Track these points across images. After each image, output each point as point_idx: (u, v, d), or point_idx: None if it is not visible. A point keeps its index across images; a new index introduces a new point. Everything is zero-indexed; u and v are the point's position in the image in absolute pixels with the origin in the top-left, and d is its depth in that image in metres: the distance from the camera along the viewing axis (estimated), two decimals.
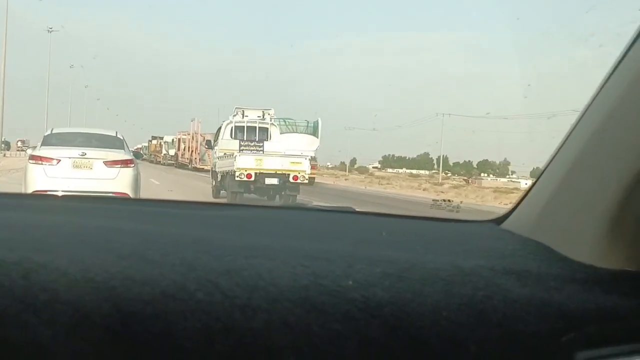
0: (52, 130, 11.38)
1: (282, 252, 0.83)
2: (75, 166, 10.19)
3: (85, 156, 10.24)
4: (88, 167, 10.24)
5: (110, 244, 0.79)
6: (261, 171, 15.82)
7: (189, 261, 0.76)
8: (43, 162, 10.08)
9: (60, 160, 10.14)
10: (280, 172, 15.88)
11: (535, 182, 1.03)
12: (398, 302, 0.75)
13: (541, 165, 1.02)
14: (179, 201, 1.54)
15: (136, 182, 10.59)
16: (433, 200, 17.10)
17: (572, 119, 0.95)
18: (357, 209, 1.50)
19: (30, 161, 10.26)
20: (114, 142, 11.09)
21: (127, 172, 10.42)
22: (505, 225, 1.08)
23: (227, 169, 16.63)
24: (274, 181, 15.87)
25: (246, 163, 15.79)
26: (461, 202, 17.31)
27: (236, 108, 19.82)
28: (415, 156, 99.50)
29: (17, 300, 0.66)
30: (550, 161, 1.00)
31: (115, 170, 10.28)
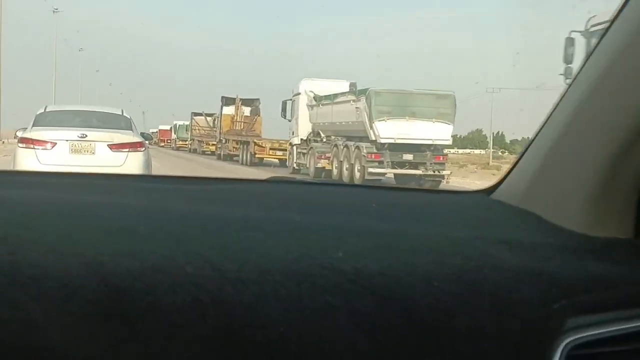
0: (45, 108, 9.63)
1: (272, 225, 0.83)
2: (74, 150, 8.60)
3: (86, 138, 8.62)
4: (89, 152, 8.63)
5: (98, 219, 0.79)
6: None
7: (178, 235, 0.76)
8: (35, 146, 8.50)
9: (55, 144, 8.55)
10: None
11: (525, 151, 1.02)
12: (389, 273, 0.74)
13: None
14: (165, 176, 1.52)
15: (148, 170, 8.88)
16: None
17: (562, 88, 0.94)
18: None
19: (20, 145, 8.67)
20: (119, 122, 9.34)
21: (137, 158, 8.72)
22: (495, 195, 1.08)
23: None
24: None
25: None
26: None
27: None
28: (466, 134, 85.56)
29: (4, 276, 0.66)
30: (539, 130, 0.99)
31: (122, 155, 8.64)
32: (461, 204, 1.12)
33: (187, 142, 41.37)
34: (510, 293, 0.76)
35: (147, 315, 0.66)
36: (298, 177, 13.81)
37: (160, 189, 1.12)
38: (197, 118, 37.31)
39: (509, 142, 66.55)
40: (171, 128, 51.08)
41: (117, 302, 0.66)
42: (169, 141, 50.02)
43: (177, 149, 43.80)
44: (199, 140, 36.72)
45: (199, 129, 36.72)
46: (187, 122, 41.22)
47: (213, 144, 32.00)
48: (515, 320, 0.75)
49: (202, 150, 34.96)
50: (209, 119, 34.48)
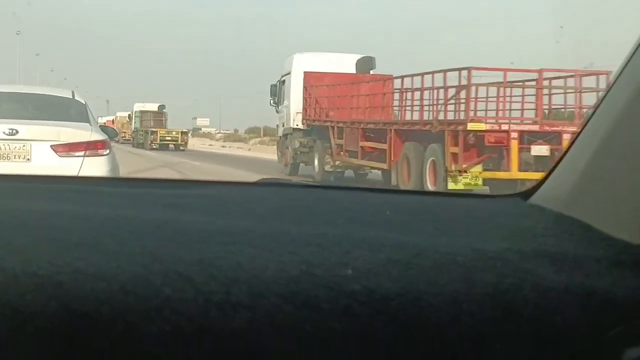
0: None
1: (266, 237, 0.77)
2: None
3: (17, 136, 5.91)
4: (23, 157, 5.95)
5: (56, 230, 0.74)
6: None
7: (152, 250, 0.71)
8: None
9: None
10: None
11: (569, 148, 0.95)
12: (408, 294, 0.69)
13: None
14: (134, 179, 1.48)
15: None
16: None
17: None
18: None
19: None
20: (69, 110, 6.55)
21: (98, 165, 5.97)
22: (534, 199, 1.01)
23: None
24: None
25: None
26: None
27: None
28: None
29: None
30: (587, 122, 0.92)
31: (74, 161, 5.88)
32: (492, 210, 1.06)
33: None
34: (554, 317, 0.70)
35: (115, 346, 0.61)
36: (294, 178, 12.76)
37: (129, 194, 1.07)
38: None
39: None
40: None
41: (79, 331, 0.61)
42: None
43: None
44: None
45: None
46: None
47: None
48: (561, 350, 0.68)
49: None
50: None
